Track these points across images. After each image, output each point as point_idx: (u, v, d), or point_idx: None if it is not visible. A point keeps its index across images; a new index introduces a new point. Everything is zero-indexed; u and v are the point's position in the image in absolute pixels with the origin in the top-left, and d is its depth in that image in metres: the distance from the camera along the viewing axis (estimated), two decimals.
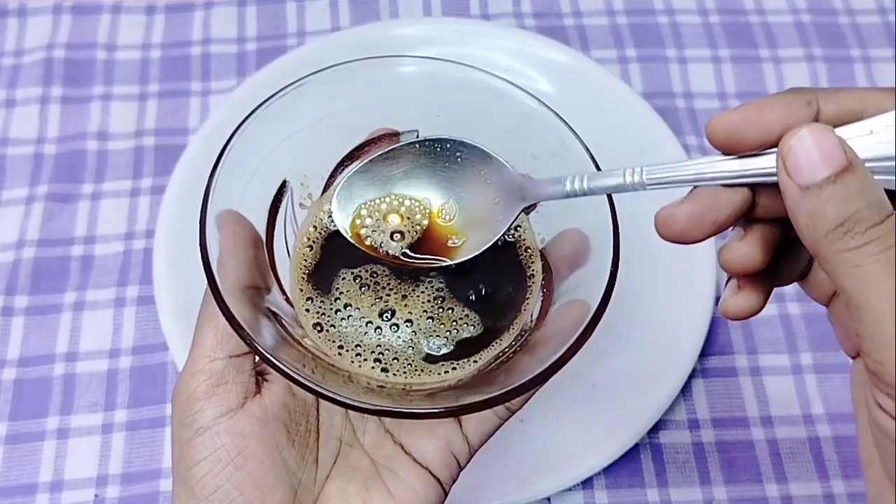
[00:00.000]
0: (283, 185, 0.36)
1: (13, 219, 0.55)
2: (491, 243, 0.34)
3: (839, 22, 0.64)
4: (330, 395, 0.29)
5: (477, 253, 0.34)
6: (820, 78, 0.61)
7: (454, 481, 0.35)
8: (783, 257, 0.30)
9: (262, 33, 0.62)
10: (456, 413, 0.31)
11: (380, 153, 0.35)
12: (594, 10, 0.64)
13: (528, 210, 0.35)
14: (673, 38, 0.63)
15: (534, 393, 0.32)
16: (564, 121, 0.35)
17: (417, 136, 0.37)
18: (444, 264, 0.35)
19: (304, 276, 0.37)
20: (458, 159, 0.35)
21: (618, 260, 0.32)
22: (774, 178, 0.27)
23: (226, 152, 0.33)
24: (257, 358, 0.32)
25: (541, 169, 0.36)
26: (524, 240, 0.38)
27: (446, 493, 0.35)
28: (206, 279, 0.30)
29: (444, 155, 0.35)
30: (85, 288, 0.52)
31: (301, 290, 0.37)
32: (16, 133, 0.58)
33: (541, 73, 0.57)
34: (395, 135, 0.38)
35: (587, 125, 0.57)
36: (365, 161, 0.35)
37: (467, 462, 0.35)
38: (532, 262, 0.38)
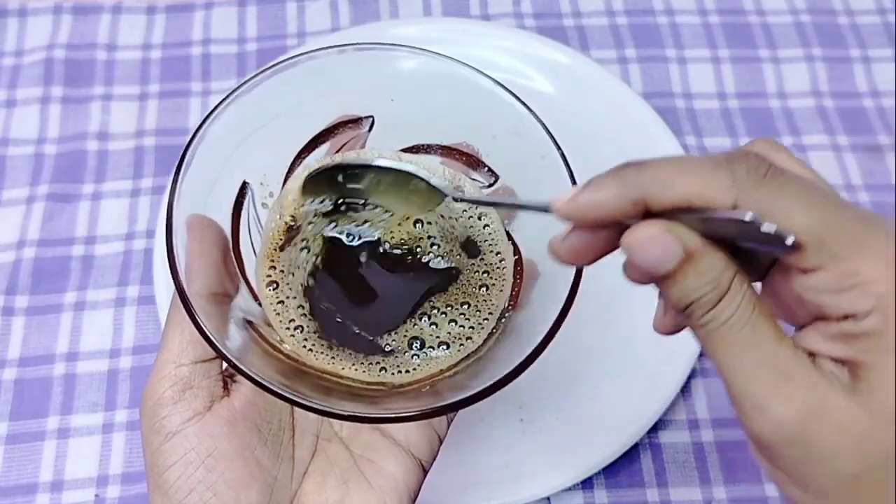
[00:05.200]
0: (244, 186, 0.36)
1: (14, 219, 0.55)
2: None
3: (839, 22, 0.64)
4: (298, 400, 0.29)
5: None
6: (819, 78, 0.61)
7: (435, 457, 0.35)
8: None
9: (262, 33, 0.62)
10: (436, 414, 0.31)
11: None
12: (594, 10, 0.64)
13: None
14: (672, 38, 0.63)
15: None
16: (523, 101, 0.35)
17: (373, 123, 0.38)
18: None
19: (271, 275, 0.37)
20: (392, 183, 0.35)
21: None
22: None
23: (187, 156, 0.32)
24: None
25: (502, 148, 0.36)
26: (490, 223, 0.38)
27: (426, 472, 0.35)
28: (173, 285, 0.30)
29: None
30: (85, 288, 0.52)
31: (266, 276, 0.37)
32: (16, 133, 0.58)
33: (541, 73, 0.57)
34: (355, 121, 0.38)
35: (587, 125, 0.57)
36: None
37: (446, 434, 0.35)
38: (497, 244, 0.38)
